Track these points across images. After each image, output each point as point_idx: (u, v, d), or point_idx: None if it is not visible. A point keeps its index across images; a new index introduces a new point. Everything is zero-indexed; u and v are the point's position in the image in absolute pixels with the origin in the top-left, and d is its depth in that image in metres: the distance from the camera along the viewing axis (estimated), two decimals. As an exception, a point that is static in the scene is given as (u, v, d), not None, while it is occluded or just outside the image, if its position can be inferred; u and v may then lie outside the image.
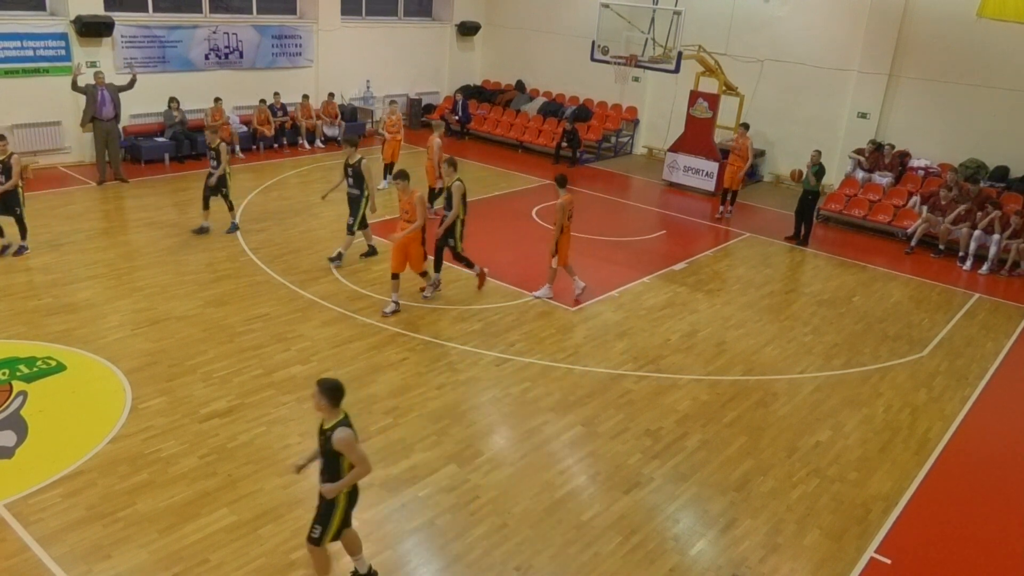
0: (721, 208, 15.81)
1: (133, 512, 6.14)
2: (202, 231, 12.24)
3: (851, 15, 16.89)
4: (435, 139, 13.59)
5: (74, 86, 13.91)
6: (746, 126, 15.67)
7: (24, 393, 7.61)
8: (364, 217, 11.33)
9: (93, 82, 14.15)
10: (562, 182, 10.55)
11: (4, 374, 7.92)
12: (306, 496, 6.48)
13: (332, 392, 4.96)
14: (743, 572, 6.04)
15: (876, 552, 6.37)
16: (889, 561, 6.29)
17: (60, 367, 8.14)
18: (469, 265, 10.77)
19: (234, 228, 12.44)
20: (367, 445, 7.17)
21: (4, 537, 5.79)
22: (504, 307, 10.51)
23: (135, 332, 9.06)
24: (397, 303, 9.93)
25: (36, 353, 8.37)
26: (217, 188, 12.10)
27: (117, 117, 14.55)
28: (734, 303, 11.32)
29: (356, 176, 11.03)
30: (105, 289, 10.16)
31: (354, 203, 11.19)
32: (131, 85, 14.53)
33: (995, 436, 8.44)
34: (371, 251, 11.81)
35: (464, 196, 10.46)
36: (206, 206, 12.17)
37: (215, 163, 11.98)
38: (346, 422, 4.99)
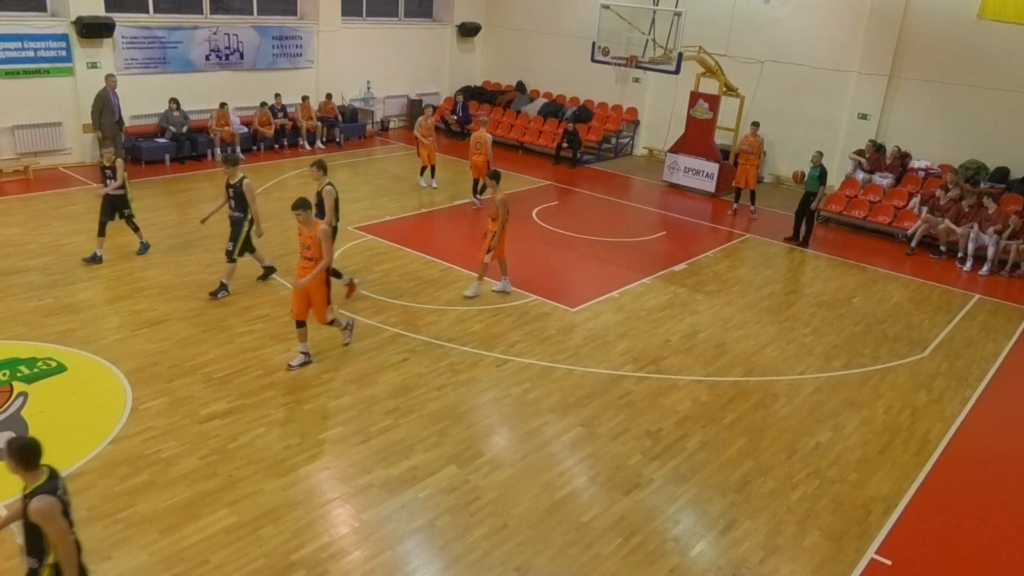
0: (736, 206, 15.99)
1: (133, 513, 6.14)
2: (94, 260, 10.90)
3: (851, 16, 16.90)
4: (486, 134, 14.42)
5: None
6: (756, 124, 15.69)
7: (24, 394, 7.62)
8: (249, 240, 10.21)
9: (104, 85, 14.32)
10: (499, 177, 10.49)
11: (5, 375, 7.92)
12: (306, 497, 6.49)
13: (21, 453, 4.12)
14: (742, 574, 6.04)
15: (876, 553, 6.37)
16: (889, 562, 6.29)
17: (60, 368, 8.14)
18: (337, 274, 10.08)
19: (144, 248, 11.41)
20: (367, 446, 7.22)
21: (4, 538, 5.79)
22: (504, 308, 10.51)
23: (135, 333, 9.06)
24: (307, 354, 8.65)
25: (36, 354, 8.37)
26: (115, 210, 10.98)
27: (120, 123, 14.71)
28: (734, 304, 11.32)
29: (238, 197, 9.96)
30: (105, 290, 10.17)
31: (236, 227, 10.09)
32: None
33: (995, 437, 8.44)
34: (268, 271, 10.80)
35: (337, 201, 9.92)
36: (102, 232, 10.94)
37: (111, 182, 10.82)
38: (48, 487, 4.14)
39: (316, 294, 8.39)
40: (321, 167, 9.90)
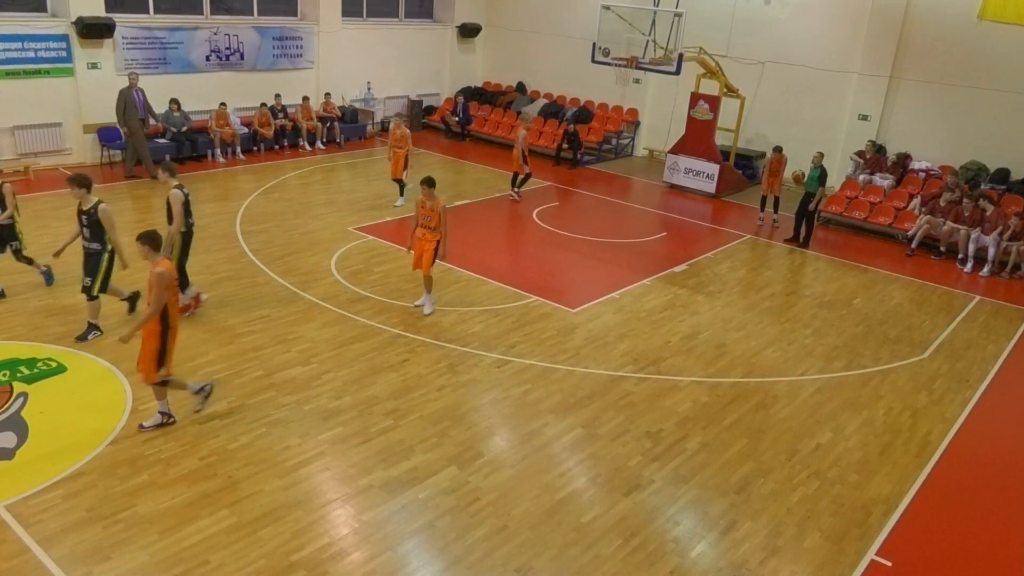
0: (763, 215, 15.66)
1: (133, 514, 6.14)
2: None
3: (852, 17, 16.90)
4: (521, 130, 15.38)
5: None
6: (779, 148, 15.24)
7: (25, 394, 7.62)
8: (109, 275, 8.83)
9: (127, 84, 14.56)
10: (433, 184, 9.83)
11: (5, 375, 7.92)
12: (307, 498, 6.49)
13: None
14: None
15: (877, 555, 6.36)
16: (890, 564, 6.28)
17: (61, 368, 8.14)
18: (185, 284, 9.41)
19: (47, 277, 10.08)
20: (367, 447, 7.21)
21: (4, 538, 5.79)
22: (505, 309, 10.51)
23: (135, 333, 9.02)
24: (165, 414, 7.29)
25: (37, 354, 8.37)
26: (2, 242, 9.72)
27: (144, 120, 15.06)
28: (735, 305, 11.32)
29: (92, 226, 8.55)
30: (106, 290, 10.15)
31: (93, 260, 8.69)
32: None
33: (996, 439, 8.43)
34: (133, 300, 9.47)
35: (186, 205, 9.02)
36: None
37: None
38: None
39: (144, 345, 7.03)
40: (169, 169, 9.07)
